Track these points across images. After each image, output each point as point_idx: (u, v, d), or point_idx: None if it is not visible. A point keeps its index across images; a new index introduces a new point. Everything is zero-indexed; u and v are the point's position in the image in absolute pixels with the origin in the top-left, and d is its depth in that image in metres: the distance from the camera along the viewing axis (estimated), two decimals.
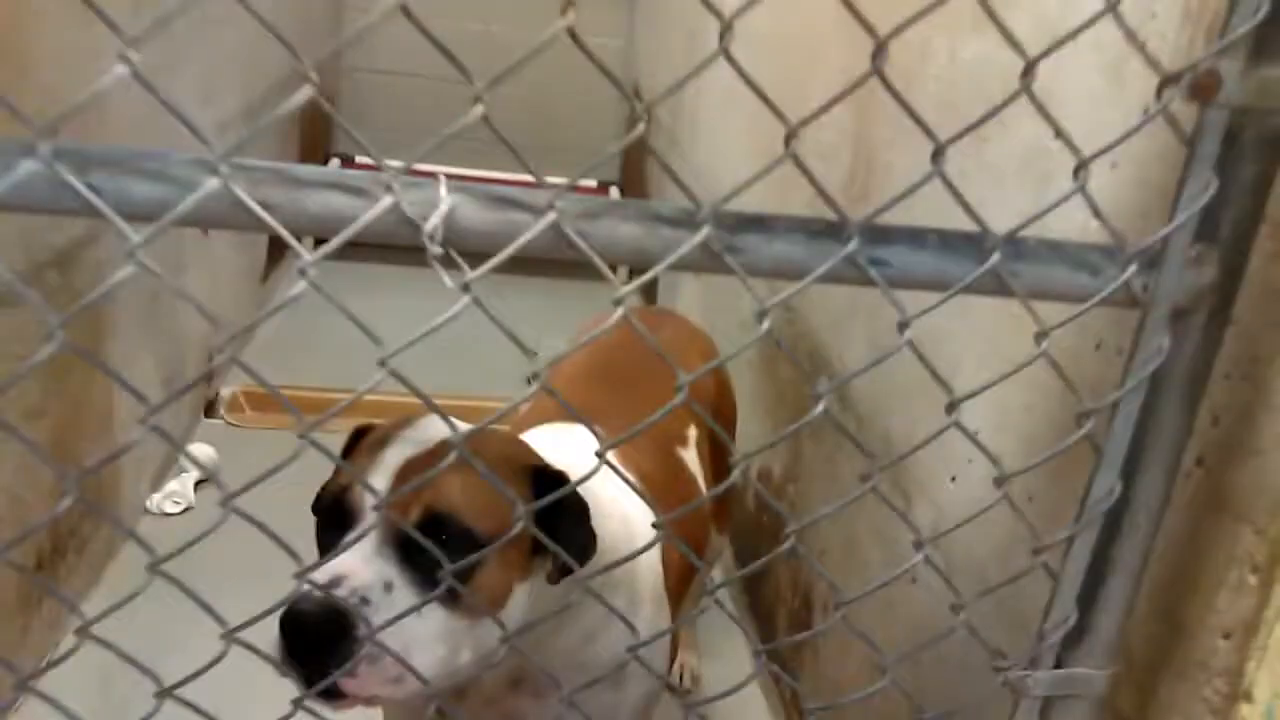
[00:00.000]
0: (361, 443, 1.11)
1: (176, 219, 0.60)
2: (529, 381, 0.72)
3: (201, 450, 2.55)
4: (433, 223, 0.63)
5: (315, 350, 2.88)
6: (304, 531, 0.80)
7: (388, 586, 0.94)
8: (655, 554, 1.32)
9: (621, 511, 1.28)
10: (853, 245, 0.70)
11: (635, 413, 1.55)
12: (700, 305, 2.97)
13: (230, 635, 0.71)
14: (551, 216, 0.65)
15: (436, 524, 0.96)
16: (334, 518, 1.01)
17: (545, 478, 1.07)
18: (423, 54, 0.80)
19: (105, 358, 2.08)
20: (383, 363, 0.65)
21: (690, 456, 1.60)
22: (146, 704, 0.74)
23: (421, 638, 0.95)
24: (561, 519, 1.02)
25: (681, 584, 1.42)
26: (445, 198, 0.64)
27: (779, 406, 2.19)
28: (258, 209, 0.60)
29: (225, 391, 2.89)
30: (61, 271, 1.84)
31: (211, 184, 0.60)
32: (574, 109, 4.36)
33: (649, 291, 4.00)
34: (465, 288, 0.65)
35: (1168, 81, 0.70)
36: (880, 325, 1.72)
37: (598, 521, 1.18)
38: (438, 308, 0.65)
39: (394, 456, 1.02)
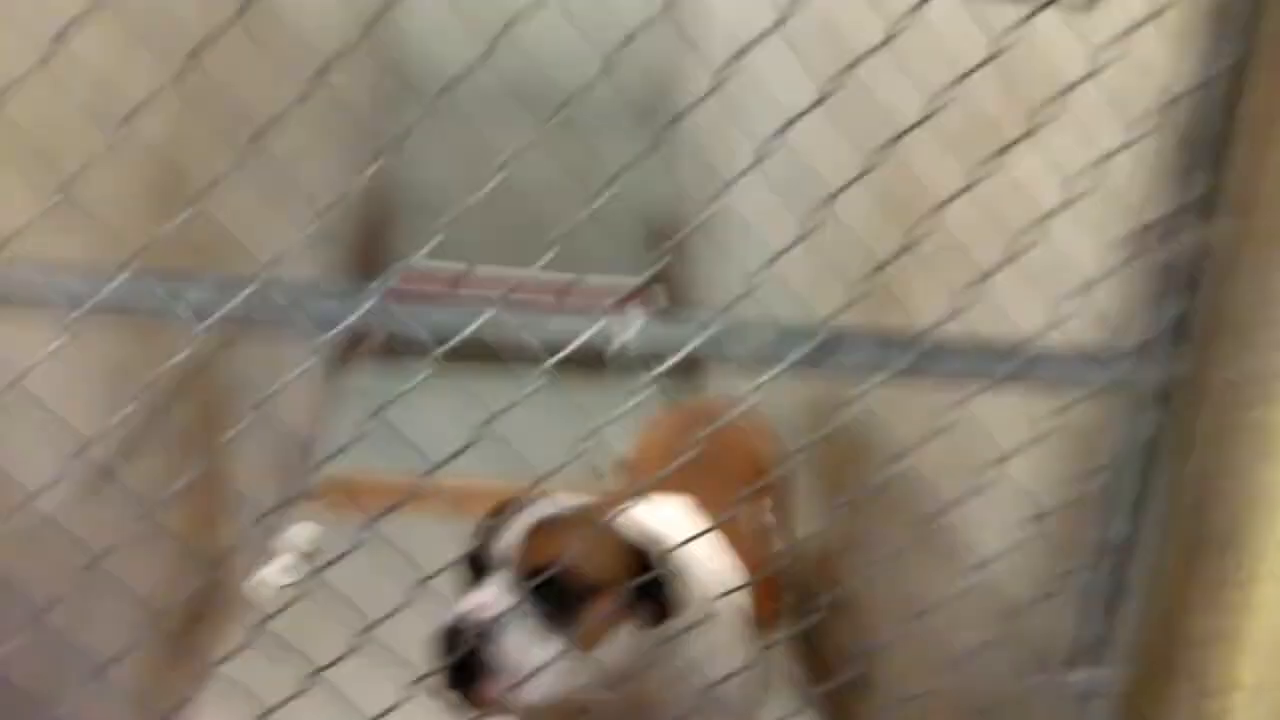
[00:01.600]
0: (501, 511, 1.42)
1: (460, 340, 0.89)
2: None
3: (305, 530, 2.82)
4: (627, 338, 0.91)
5: (391, 440, 3.15)
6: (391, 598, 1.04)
7: (515, 617, 1.26)
8: (744, 601, 1.58)
9: (710, 567, 1.56)
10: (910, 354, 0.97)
11: (713, 487, 1.83)
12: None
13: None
14: (711, 330, 0.93)
15: (554, 569, 1.27)
16: (476, 566, 1.33)
17: (641, 542, 1.38)
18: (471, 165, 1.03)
19: (235, 451, 2.37)
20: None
21: (760, 521, 1.88)
22: None
23: (537, 657, 1.25)
24: (658, 579, 1.35)
25: (766, 627, 1.67)
26: (637, 322, 0.92)
27: (826, 482, 2.43)
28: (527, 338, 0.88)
29: (313, 480, 3.16)
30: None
31: (491, 315, 0.88)
32: (616, 213, 4.65)
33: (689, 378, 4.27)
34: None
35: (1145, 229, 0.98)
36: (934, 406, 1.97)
37: (691, 574, 1.47)
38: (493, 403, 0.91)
39: (527, 518, 1.35)
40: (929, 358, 0.95)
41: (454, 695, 1.24)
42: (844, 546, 2.32)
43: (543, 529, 1.33)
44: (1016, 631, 1.20)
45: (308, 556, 2.75)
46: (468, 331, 0.87)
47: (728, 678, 1.46)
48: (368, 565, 0.97)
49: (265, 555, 2.74)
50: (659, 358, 0.93)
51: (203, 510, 2.20)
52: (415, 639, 1.04)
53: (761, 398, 2.25)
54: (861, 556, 2.27)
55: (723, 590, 1.56)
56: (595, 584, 1.29)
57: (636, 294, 4.16)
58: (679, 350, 0.92)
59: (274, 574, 2.67)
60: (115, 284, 0.81)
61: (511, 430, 0.94)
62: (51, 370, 1.50)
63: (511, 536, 1.32)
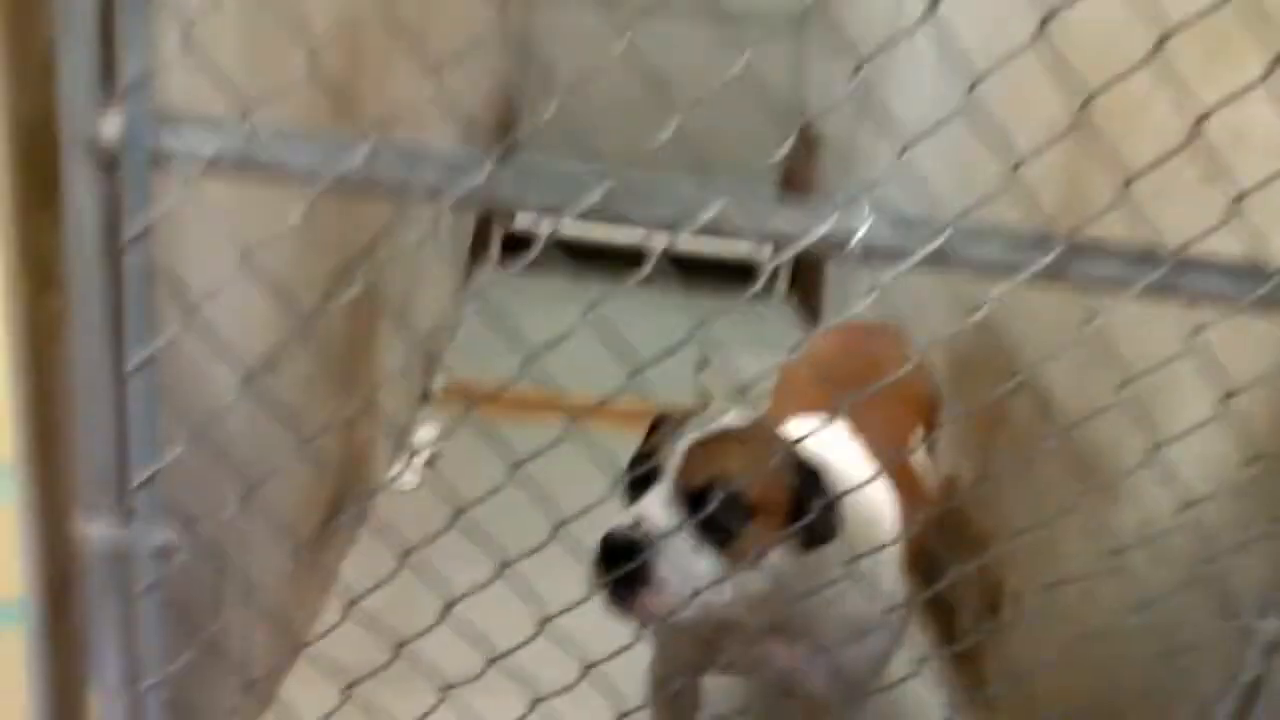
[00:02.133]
0: (662, 425, 1.41)
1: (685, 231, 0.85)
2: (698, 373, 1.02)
3: (428, 432, 2.87)
4: (855, 240, 0.87)
5: (513, 349, 3.18)
6: (507, 508, 1.07)
7: (675, 530, 1.25)
8: (895, 529, 1.55)
9: (866, 493, 1.52)
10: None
11: (866, 412, 1.79)
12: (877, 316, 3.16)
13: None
14: (945, 235, 0.88)
15: (715, 485, 1.27)
16: (639, 477, 1.32)
17: (803, 464, 1.35)
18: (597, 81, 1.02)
19: (378, 342, 2.40)
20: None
21: (917, 458, 1.82)
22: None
23: (695, 573, 1.25)
24: (815, 501, 1.32)
25: (913, 558, 1.63)
26: (867, 218, 0.87)
27: (970, 417, 2.37)
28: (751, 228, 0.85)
29: (438, 383, 3.20)
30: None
31: (718, 205, 0.85)
32: (734, 137, 4.60)
33: (810, 301, 4.21)
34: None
35: None
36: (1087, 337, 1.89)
37: (847, 499, 1.44)
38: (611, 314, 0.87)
39: (691, 433, 1.34)
40: (1180, 273, 0.89)
41: (610, 603, 1.24)
42: (997, 487, 2.26)
43: (706, 445, 1.31)
44: (1209, 574, 1.15)
45: (431, 460, 2.80)
46: (702, 218, 0.83)
47: (887, 614, 1.44)
48: (491, 472, 0.97)
49: (395, 457, 2.80)
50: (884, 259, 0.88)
51: (346, 407, 2.24)
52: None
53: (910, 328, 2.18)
54: (1020, 498, 2.22)
55: (879, 522, 1.53)
56: (755, 503, 1.28)
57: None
58: (910, 255, 0.87)
59: (402, 476, 2.73)
60: (359, 155, 0.79)
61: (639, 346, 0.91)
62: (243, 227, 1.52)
63: (675, 451, 1.31)
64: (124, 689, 1.05)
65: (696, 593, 1.23)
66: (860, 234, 0.86)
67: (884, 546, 1.44)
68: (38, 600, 1.03)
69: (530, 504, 0.96)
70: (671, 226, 0.83)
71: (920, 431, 1.88)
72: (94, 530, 0.99)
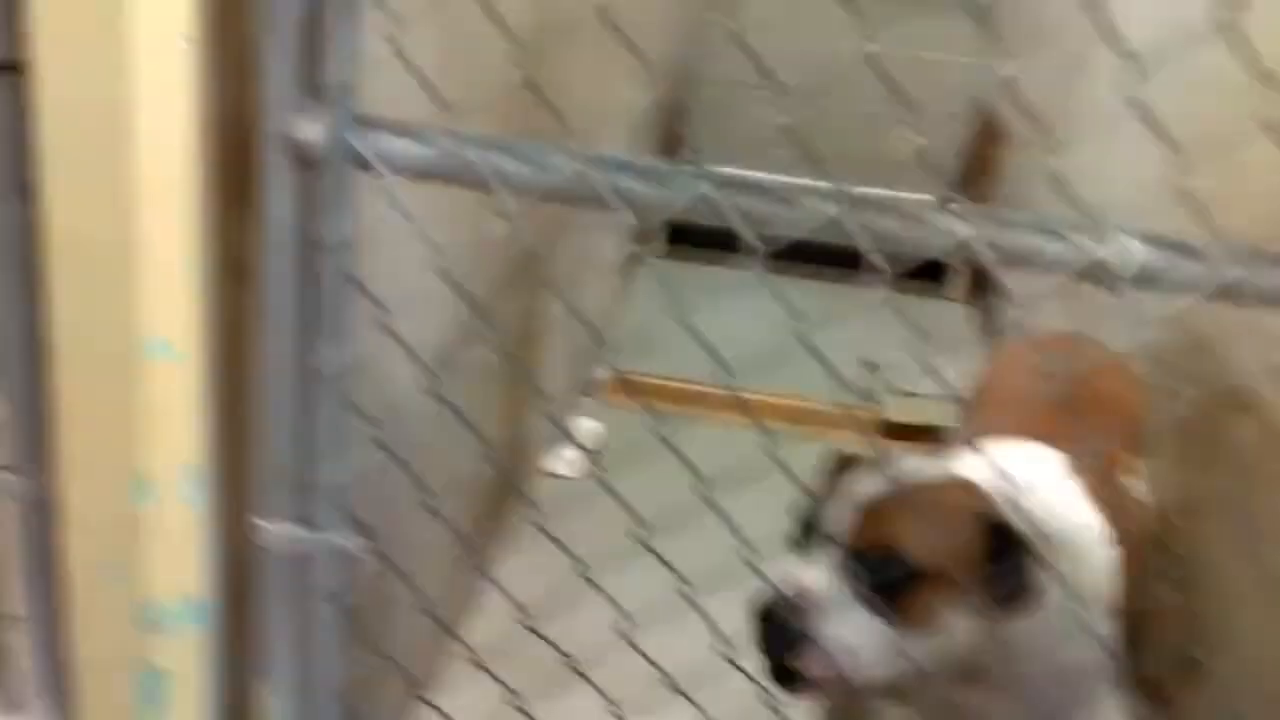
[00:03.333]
0: (843, 471, 1.31)
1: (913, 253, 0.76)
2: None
3: (590, 425, 2.84)
4: (1130, 273, 0.75)
5: (678, 343, 3.12)
6: (672, 502, 0.98)
7: (839, 600, 1.15)
8: (1111, 569, 1.41)
9: (1077, 533, 1.38)
10: None
11: (1083, 434, 1.64)
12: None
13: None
14: (1228, 274, 0.75)
15: (885, 554, 1.16)
16: (808, 526, 1.24)
17: (1000, 528, 1.21)
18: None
19: (543, 331, 2.39)
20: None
21: (1134, 484, 1.66)
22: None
23: (863, 645, 1.15)
24: (1009, 562, 1.19)
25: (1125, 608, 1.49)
26: (1138, 251, 0.75)
27: (1176, 438, 2.18)
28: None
29: (601, 374, 3.17)
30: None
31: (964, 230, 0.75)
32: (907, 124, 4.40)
33: (980, 300, 4.00)
34: None
35: None
36: None
37: (1056, 541, 1.30)
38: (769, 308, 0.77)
39: (863, 490, 1.22)
40: None
41: (772, 676, 1.17)
42: (1210, 523, 2.07)
43: (880, 507, 1.20)
44: None
45: (592, 454, 2.77)
46: (942, 245, 0.74)
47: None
48: (656, 467, 0.89)
49: (558, 449, 2.79)
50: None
51: (512, 399, 2.23)
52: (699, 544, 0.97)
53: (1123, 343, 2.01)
54: (1203, 528, 2.02)
55: (1096, 573, 1.39)
56: (930, 568, 1.17)
57: None
58: (1185, 287, 0.75)
59: (559, 466, 2.71)
60: (557, 170, 0.74)
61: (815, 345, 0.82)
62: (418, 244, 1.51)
63: (845, 508, 1.21)
64: (298, 692, 1.04)
65: (861, 660, 1.15)
66: (1137, 260, 0.75)
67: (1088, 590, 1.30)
68: (220, 602, 1.03)
69: (697, 502, 0.89)
70: (904, 248, 0.74)
71: (1138, 462, 1.71)
72: (275, 533, 0.97)
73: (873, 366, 3.29)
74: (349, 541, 0.97)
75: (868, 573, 1.12)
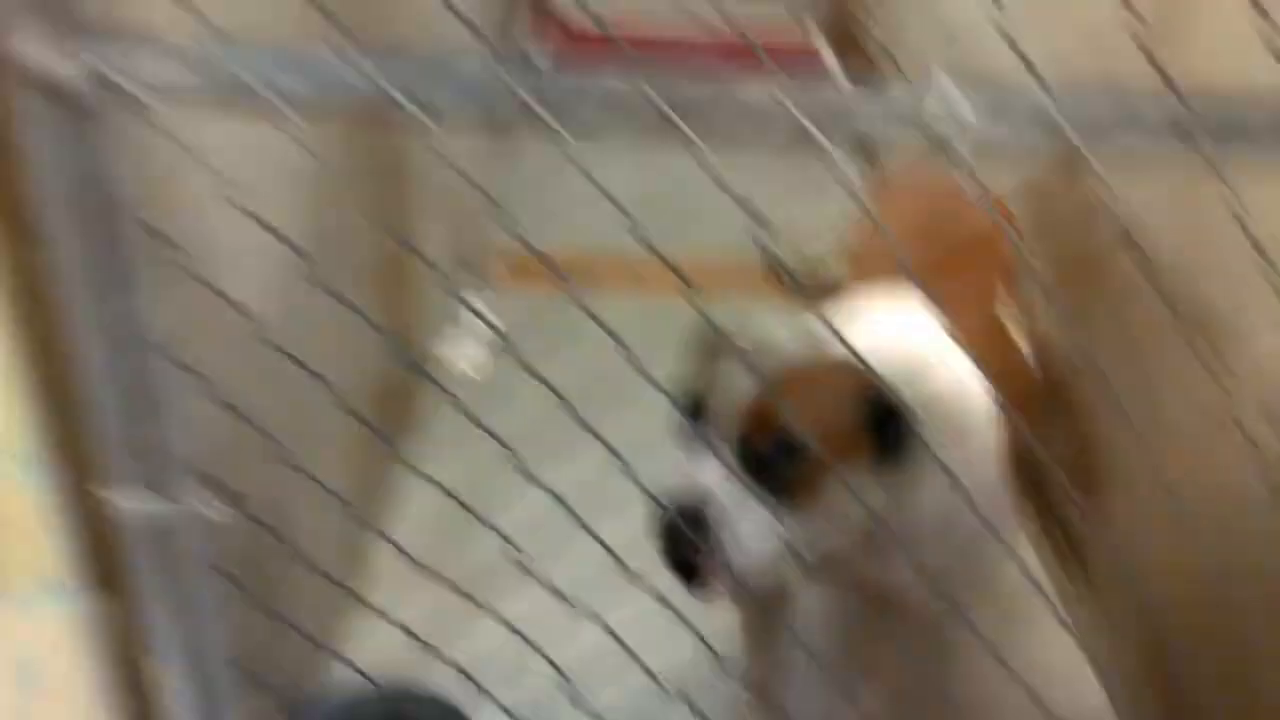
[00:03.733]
0: (715, 350, 1.26)
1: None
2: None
3: (484, 312, 2.76)
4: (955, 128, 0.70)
5: (563, 216, 3.02)
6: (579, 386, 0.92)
7: (738, 499, 1.13)
8: (992, 422, 1.41)
9: (954, 385, 1.38)
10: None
11: (953, 278, 1.62)
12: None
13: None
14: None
15: (780, 443, 1.13)
16: (695, 417, 1.20)
17: (879, 400, 1.19)
18: None
19: (418, 230, 2.28)
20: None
21: (1007, 314, 1.67)
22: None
23: (763, 537, 1.13)
24: (891, 431, 1.18)
25: (1011, 443, 1.50)
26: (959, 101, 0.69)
27: (1061, 271, 2.20)
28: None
29: (487, 259, 3.07)
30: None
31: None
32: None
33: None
34: None
35: None
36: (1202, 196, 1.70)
37: (929, 386, 1.30)
38: (660, 173, 0.72)
39: (741, 378, 1.17)
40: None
41: (681, 580, 1.15)
42: (1093, 353, 2.10)
43: (760, 394, 1.16)
44: None
45: (491, 345, 2.70)
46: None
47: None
48: (551, 346, 0.83)
49: (447, 339, 2.71)
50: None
51: (391, 296, 2.14)
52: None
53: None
54: (1118, 365, 2.06)
55: (973, 416, 1.39)
56: (818, 450, 1.14)
57: (800, 55, 3.81)
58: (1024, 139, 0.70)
59: (454, 355, 2.65)
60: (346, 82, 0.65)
61: (691, 205, 0.75)
62: (243, 163, 1.40)
63: (726, 398, 1.17)
64: (188, 662, 0.99)
65: (765, 559, 1.14)
66: (959, 112, 0.69)
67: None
68: (83, 581, 0.96)
69: (599, 371, 0.83)
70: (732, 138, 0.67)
71: (1016, 306, 1.71)
72: (127, 506, 0.90)
73: (763, 223, 3.25)
74: (209, 507, 0.90)
75: (758, 464, 1.09)
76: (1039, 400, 1.86)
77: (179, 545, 0.92)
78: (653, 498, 1.01)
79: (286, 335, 1.54)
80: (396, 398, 2.20)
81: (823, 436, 1.09)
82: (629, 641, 1.03)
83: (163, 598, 0.94)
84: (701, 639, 1.04)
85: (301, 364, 0.89)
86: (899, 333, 1.41)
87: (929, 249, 1.60)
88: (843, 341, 0.95)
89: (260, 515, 0.93)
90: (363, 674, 1.04)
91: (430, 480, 0.95)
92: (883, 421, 1.17)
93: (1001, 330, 1.63)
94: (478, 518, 0.95)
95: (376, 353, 2.08)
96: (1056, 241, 2.17)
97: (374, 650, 1.07)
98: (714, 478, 1.13)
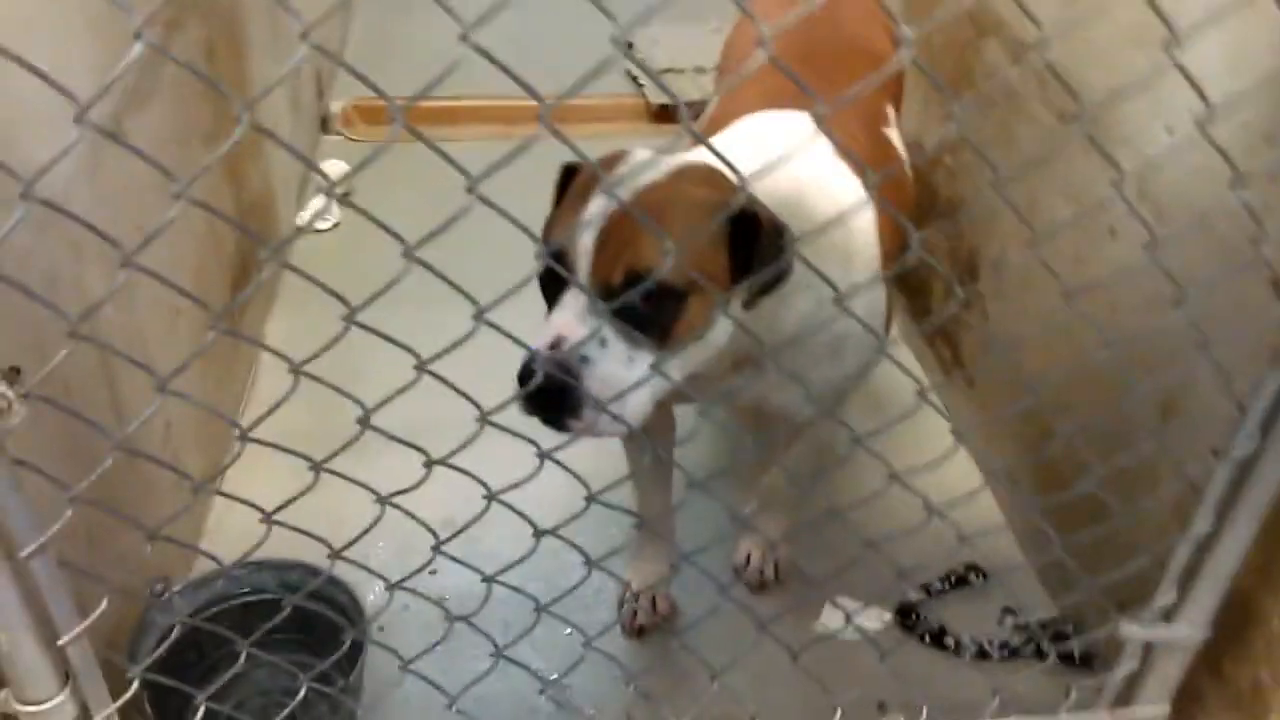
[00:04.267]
0: (569, 186, 1.16)
1: None
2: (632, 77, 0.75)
3: (335, 166, 2.57)
4: None
5: (409, 58, 2.82)
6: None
7: (602, 342, 1.05)
8: (870, 227, 1.35)
9: (830, 190, 1.31)
10: None
11: (830, 87, 1.53)
12: None
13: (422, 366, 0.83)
14: None
15: (630, 278, 1.04)
16: (556, 257, 1.06)
17: (740, 214, 1.08)
18: None
19: (247, 73, 2.07)
20: (463, 37, 0.64)
21: (894, 135, 1.59)
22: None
23: (631, 379, 1.05)
24: (759, 246, 1.09)
25: (890, 260, 1.45)
26: None
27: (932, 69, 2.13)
28: None
29: (335, 106, 2.86)
30: None
31: None
32: None
33: None
34: None
35: None
36: None
37: (806, 204, 1.22)
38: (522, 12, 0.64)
39: (597, 209, 1.07)
40: None
41: (549, 426, 1.06)
42: (947, 152, 2.06)
43: (616, 228, 1.05)
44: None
45: (341, 197, 2.53)
46: None
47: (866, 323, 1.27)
48: (407, 198, 0.74)
49: (302, 198, 2.53)
50: None
51: (231, 155, 1.95)
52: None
53: None
54: (968, 162, 2.02)
55: (851, 229, 1.32)
56: (679, 279, 1.05)
57: None
58: None
59: (307, 219, 2.48)
60: None
61: (545, 38, 0.66)
62: (28, 20, 1.21)
63: (583, 237, 1.06)
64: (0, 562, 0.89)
65: (632, 401, 1.05)
66: None
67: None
68: None
69: (465, 229, 0.74)
70: None
71: (892, 110, 1.64)
72: None
73: (625, 46, 3.08)
74: None
75: (619, 303, 0.99)
76: (918, 206, 1.82)
77: None
78: (516, 340, 0.92)
79: (122, 204, 1.39)
80: (253, 266, 2.05)
81: (681, 262, 0.98)
82: (499, 489, 0.98)
83: None
84: (571, 472, 0.98)
85: (157, 275, 0.76)
86: (771, 138, 1.33)
87: (811, 65, 1.50)
88: (710, 149, 0.87)
89: (83, 404, 0.82)
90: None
91: (284, 358, 0.84)
92: (746, 237, 1.09)
93: (888, 148, 1.56)
94: (336, 389, 0.86)
95: (224, 224, 1.92)
96: (928, 31, 2.09)
97: (240, 532, 0.99)
98: (570, 323, 1.04)
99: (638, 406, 1.07)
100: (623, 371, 1.05)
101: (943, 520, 1.12)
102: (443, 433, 0.91)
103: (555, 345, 1.03)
